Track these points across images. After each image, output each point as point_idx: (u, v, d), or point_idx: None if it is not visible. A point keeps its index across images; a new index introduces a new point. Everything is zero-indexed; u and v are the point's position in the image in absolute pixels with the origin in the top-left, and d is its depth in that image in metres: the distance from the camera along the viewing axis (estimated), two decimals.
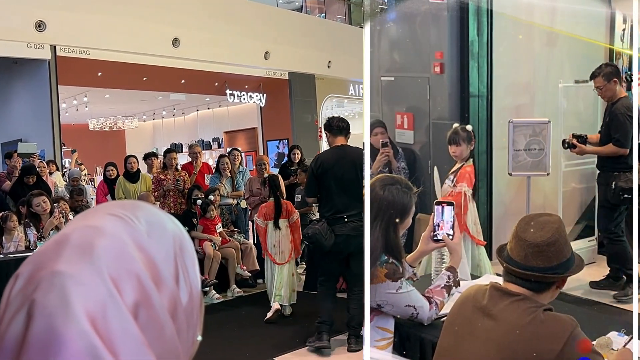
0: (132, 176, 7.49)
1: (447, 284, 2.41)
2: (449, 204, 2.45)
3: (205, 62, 11.77)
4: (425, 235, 2.44)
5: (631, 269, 5.15)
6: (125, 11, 10.45)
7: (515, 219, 1.90)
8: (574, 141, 5.34)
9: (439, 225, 2.42)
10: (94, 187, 10.43)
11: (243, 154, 9.58)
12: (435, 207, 2.43)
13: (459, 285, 2.44)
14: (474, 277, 3.55)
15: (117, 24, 10.33)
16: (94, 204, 8.22)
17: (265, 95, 14.23)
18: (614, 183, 5.19)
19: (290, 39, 13.10)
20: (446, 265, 2.52)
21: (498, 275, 2.43)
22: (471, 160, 4.64)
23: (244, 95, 13.90)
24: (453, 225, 2.42)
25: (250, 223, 7.59)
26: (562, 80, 6.52)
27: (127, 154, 8.07)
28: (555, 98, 6.46)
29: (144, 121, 19.10)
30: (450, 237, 2.41)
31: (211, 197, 6.79)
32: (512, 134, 5.56)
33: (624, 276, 5.34)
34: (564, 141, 5.45)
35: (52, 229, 5.71)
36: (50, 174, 8.46)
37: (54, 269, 0.58)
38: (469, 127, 4.61)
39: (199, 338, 0.72)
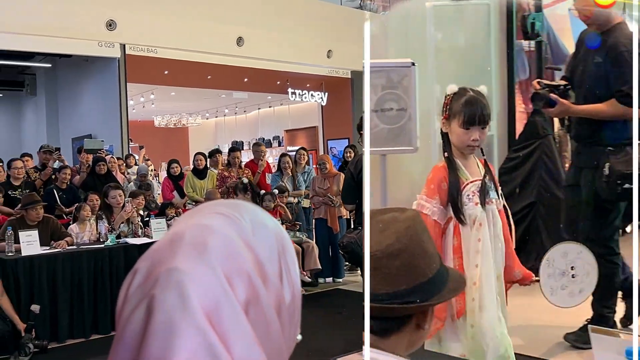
0: (200, 173, 7.67)
1: None
2: None
3: (268, 60, 11.88)
4: None
5: (612, 309, 3.52)
6: (191, 11, 10.66)
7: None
8: (554, 95, 3.25)
9: None
10: (159, 182, 10.68)
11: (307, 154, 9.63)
12: None
13: None
14: None
15: (184, 23, 10.55)
16: (159, 200, 8.42)
17: (326, 94, 14.24)
18: (607, 166, 3.29)
19: (354, 37, 13.07)
20: None
21: None
22: None
23: (305, 94, 13.95)
24: None
25: (314, 222, 7.63)
26: None
27: (196, 152, 8.26)
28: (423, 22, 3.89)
29: (207, 119, 19.42)
30: None
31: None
32: None
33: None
34: (535, 95, 3.34)
35: (122, 222, 5.89)
36: (129, 167, 8.77)
37: (171, 266, 0.60)
38: (483, 89, 2.57)
39: (299, 337, 0.73)
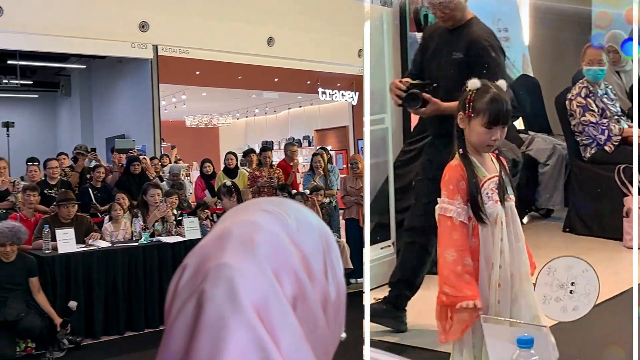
0: (231, 172, 7.75)
1: None
2: None
3: (298, 60, 11.92)
4: None
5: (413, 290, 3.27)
6: (222, 12, 10.75)
7: None
8: (427, 95, 3.10)
9: None
10: (190, 182, 10.79)
11: (333, 153, 9.65)
12: None
13: None
14: None
15: (215, 24, 10.64)
16: (192, 198, 8.51)
17: (357, 93, 14.21)
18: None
19: None
20: None
21: None
22: None
23: (335, 93, 13.94)
24: None
25: (345, 222, 7.63)
26: None
27: (227, 151, 8.34)
28: None
29: (237, 119, 19.54)
30: None
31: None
32: None
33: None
34: (409, 95, 3.08)
35: (156, 221, 5.96)
36: (164, 166, 8.92)
37: (220, 261, 0.60)
38: (502, 84, 2.52)
39: (344, 335, 0.73)
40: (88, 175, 7.31)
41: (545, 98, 4.46)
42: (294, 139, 17.36)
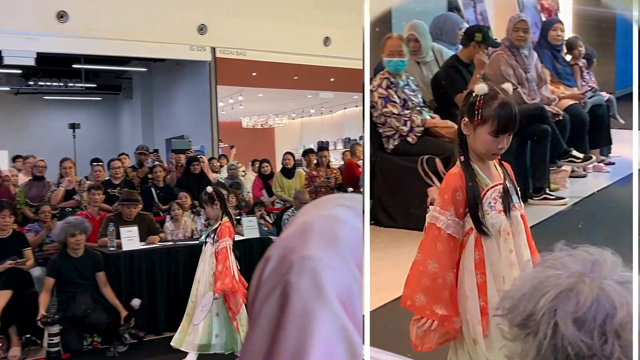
0: (288, 172, 7.82)
1: None
2: None
3: (355, 59, 11.88)
4: None
5: None
6: (278, 14, 10.83)
7: None
8: None
9: None
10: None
11: None
12: None
13: None
14: None
15: (271, 26, 10.73)
16: (250, 198, 8.62)
17: None
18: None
19: None
20: None
21: None
22: None
23: None
24: None
25: None
26: None
27: (285, 152, 8.42)
28: None
29: (293, 119, 19.64)
30: None
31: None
32: None
33: None
34: None
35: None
36: (222, 166, 9.10)
37: (304, 253, 0.61)
38: (508, 87, 2.42)
39: None
40: (149, 175, 7.50)
41: None
42: (349, 139, 17.32)
